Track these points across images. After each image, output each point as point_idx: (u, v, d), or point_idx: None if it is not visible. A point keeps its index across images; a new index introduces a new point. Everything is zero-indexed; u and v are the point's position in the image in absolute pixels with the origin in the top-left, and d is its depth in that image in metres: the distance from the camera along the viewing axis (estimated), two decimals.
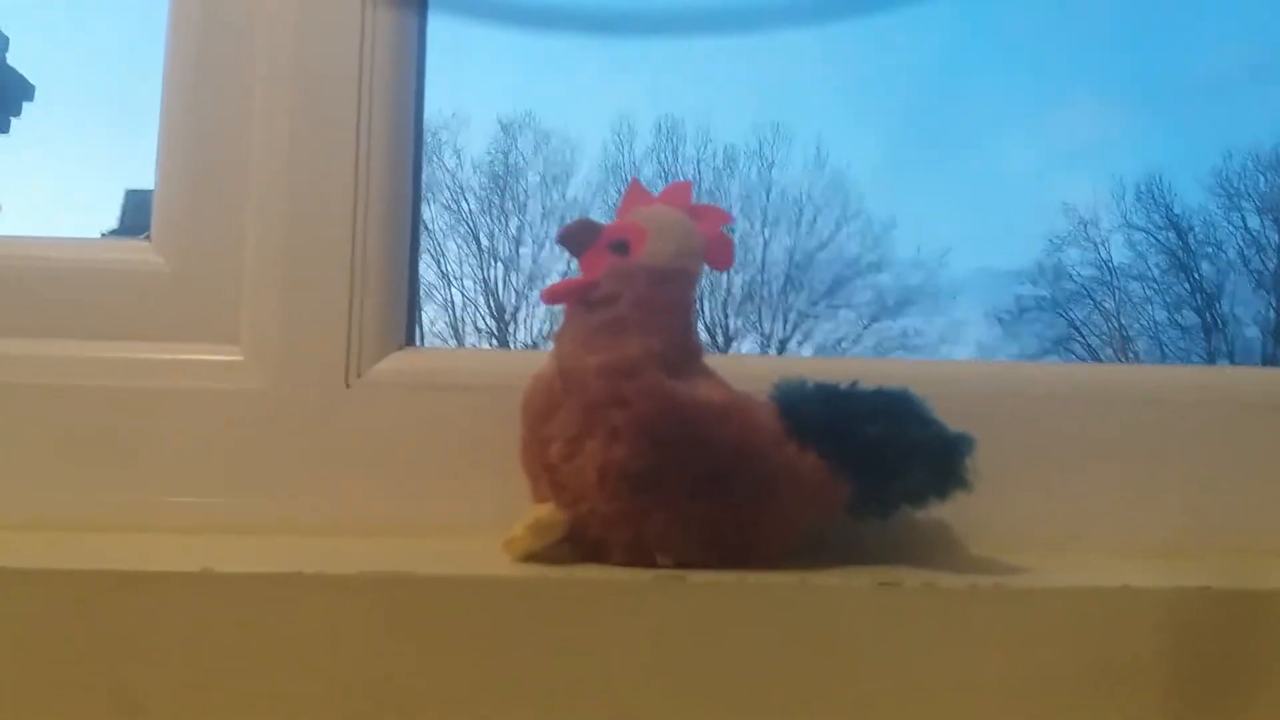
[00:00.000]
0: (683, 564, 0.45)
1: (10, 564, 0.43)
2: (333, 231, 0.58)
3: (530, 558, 0.46)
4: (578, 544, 0.48)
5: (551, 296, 0.50)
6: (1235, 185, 6.91)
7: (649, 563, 0.45)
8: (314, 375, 0.56)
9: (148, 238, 0.61)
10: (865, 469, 0.47)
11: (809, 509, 0.48)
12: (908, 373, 0.60)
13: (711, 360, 0.51)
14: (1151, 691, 0.42)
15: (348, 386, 0.57)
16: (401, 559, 0.47)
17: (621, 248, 0.49)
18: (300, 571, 0.42)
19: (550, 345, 0.51)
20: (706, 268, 0.52)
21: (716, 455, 0.46)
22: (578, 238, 0.51)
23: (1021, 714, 0.42)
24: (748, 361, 0.62)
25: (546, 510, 0.47)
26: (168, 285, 0.59)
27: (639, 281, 0.49)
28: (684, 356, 0.49)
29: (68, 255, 0.60)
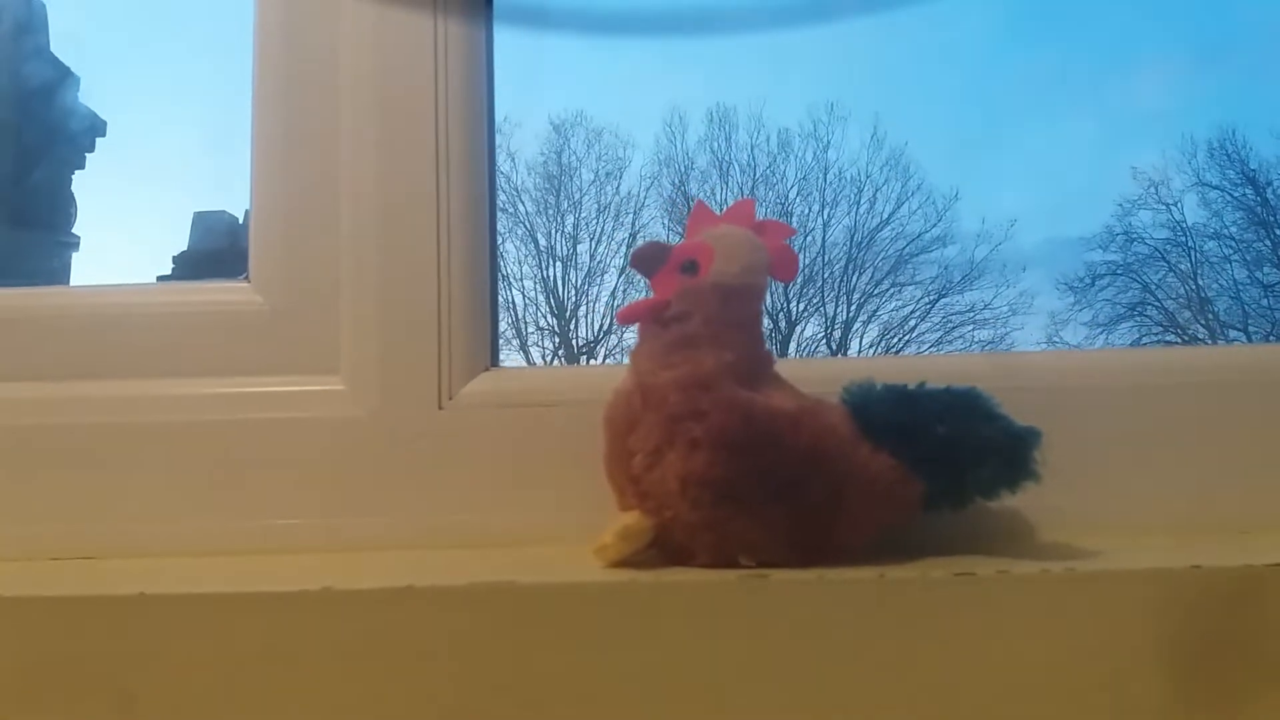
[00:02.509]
0: (765, 564, 0.47)
1: (152, 590, 0.46)
2: (419, 263, 0.62)
3: (619, 563, 0.49)
4: (664, 549, 0.50)
5: (627, 317, 0.53)
6: None
7: (733, 564, 0.48)
8: (410, 400, 0.60)
9: (246, 278, 0.65)
10: (937, 467, 0.49)
11: (884, 508, 0.49)
12: (975, 367, 0.62)
13: (782, 366, 0.54)
14: (1225, 668, 0.44)
15: (440, 409, 0.60)
16: (503, 569, 0.50)
17: (691, 267, 0.52)
18: (413, 585, 0.46)
19: (626, 361, 0.54)
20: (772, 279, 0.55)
21: (792, 460, 0.48)
22: (649, 260, 0.53)
23: (1100, 694, 0.43)
24: (817, 365, 0.64)
25: (633, 518, 0.50)
26: (268, 322, 0.63)
27: (709, 299, 0.51)
28: (756, 367, 0.52)
29: (174, 299, 0.65)
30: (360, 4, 0.64)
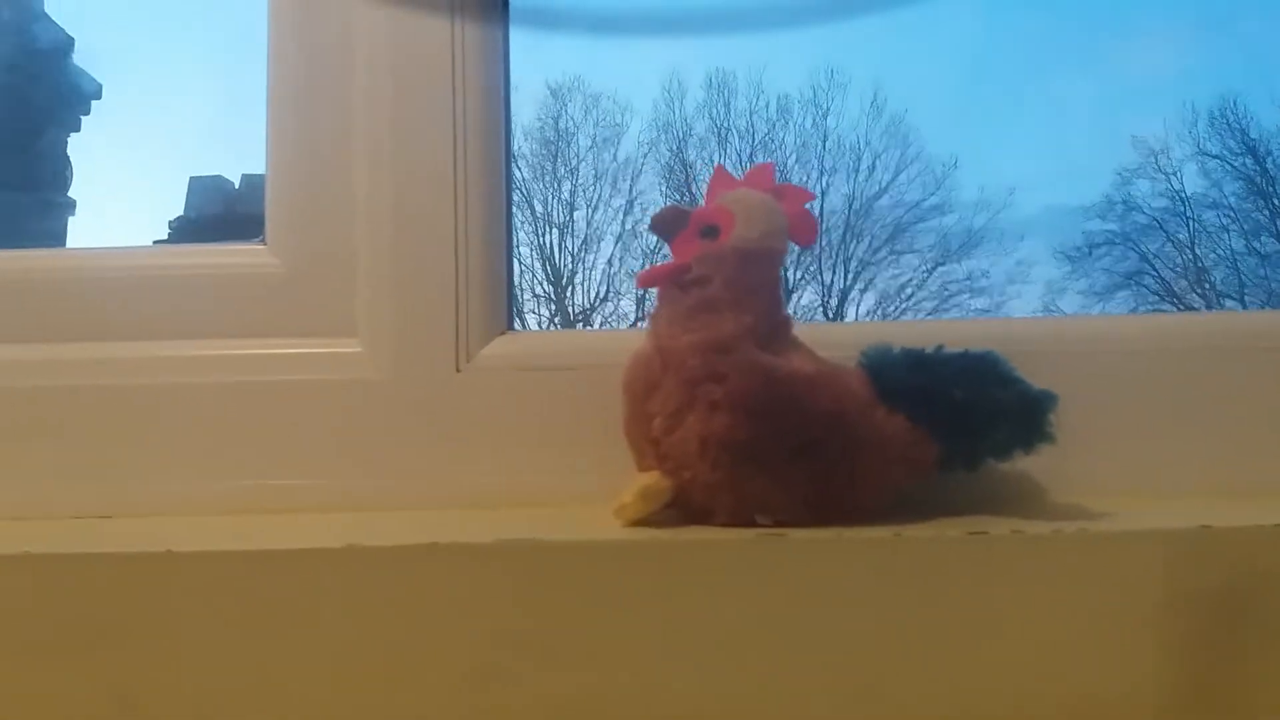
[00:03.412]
0: (783, 523, 0.48)
1: (179, 548, 0.47)
2: (437, 227, 0.62)
3: (639, 522, 0.50)
4: (682, 508, 0.51)
5: (646, 281, 0.54)
6: None
7: (750, 523, 0.49)
8: (427, 363, 0.61)
9: (262, 241, 0.65)
10: (953, 430, 0.50)
11: (899, 469, 0.50)
12: (991, 332, 0.62)
13: (800, 330, 0.54)
14: (1233, 626, 0.45)
15: (458, 371, 0.61)
16: (525, 528, 0.51)
17: (711, 232, 0.53)
18: (437, 543, 0.47)
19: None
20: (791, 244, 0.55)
21: (810, 423, 0.49)
22: (670, 224, 0.54)
23: (1107, 651, 0.45)
24: (835, 329, 0.64)
25: (653, 478, 0.51)
26: (285, 285, 0.63)
27: (729, 263, 0.52)
28: (774, 330, 0.52)
29: (191, 262, 0.65)
30: None
